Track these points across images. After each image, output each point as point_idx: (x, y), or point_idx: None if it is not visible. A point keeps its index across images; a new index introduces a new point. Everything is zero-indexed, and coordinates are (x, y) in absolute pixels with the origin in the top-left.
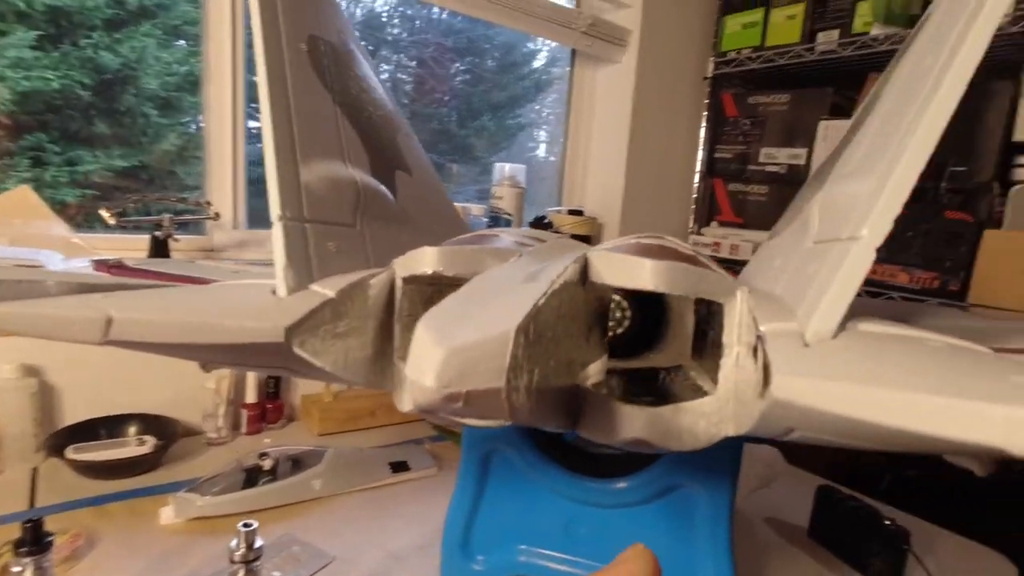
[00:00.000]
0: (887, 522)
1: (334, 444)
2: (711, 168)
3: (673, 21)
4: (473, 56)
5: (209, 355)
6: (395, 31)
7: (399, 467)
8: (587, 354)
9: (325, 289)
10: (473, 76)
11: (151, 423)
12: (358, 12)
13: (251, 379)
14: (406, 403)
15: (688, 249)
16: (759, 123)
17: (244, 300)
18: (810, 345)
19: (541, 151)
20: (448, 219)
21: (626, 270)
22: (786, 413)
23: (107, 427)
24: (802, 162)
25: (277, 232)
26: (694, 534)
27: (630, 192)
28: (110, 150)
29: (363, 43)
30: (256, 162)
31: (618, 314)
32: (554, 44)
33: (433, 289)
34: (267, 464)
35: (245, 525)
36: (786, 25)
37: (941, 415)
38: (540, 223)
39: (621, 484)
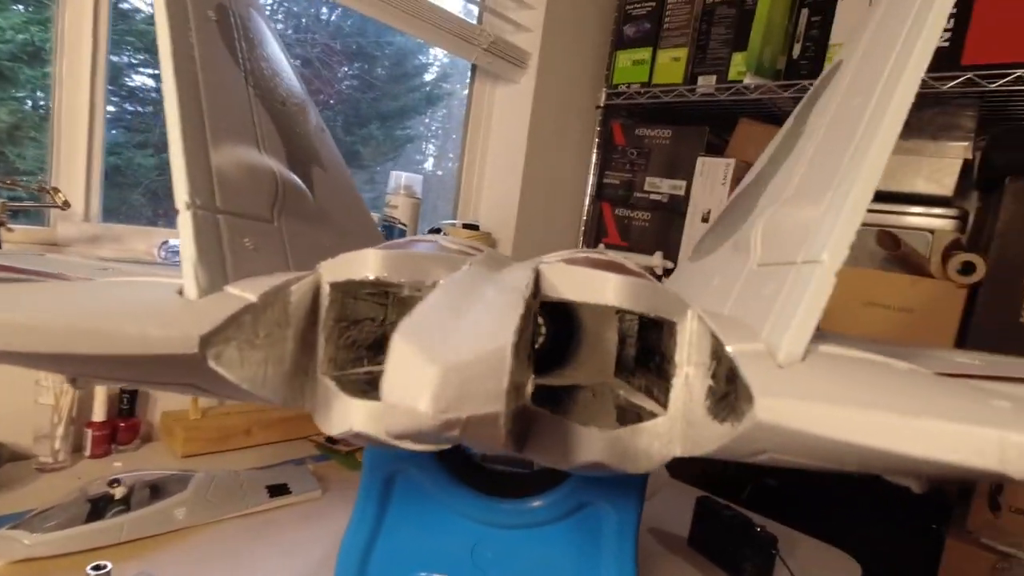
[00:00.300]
0: (758, 529)
1: (202, 467)
2: (600, 192)
3: (571, 49)
4: (363, 62)
5: (96, 369)
6: (279, 26)
7: (278, 490)
8: (521, 370)
9: (244, 292)
10: (362, 82)
11: None
12: None
13: (99, 393)
14: (336, 424)
15: (633, 265)
16: (644, 154)
17: (145, 301)
18: (784, 367)
19: (429, 164)
20: (363, 221)
21: (587, 285)
22: (767, 436)
23: None
24: (682, 193)
25: (185, 222)
26: (600, 552)
27: (524, 209)
28: None
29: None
30: (110, 150)
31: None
32: (446, 59)
33: (361, 296)
34: (119, 492)
35: (96, 568)
36: (671, 66)
37: (940, 440)
38: (435, 234)
39: (534, 503)
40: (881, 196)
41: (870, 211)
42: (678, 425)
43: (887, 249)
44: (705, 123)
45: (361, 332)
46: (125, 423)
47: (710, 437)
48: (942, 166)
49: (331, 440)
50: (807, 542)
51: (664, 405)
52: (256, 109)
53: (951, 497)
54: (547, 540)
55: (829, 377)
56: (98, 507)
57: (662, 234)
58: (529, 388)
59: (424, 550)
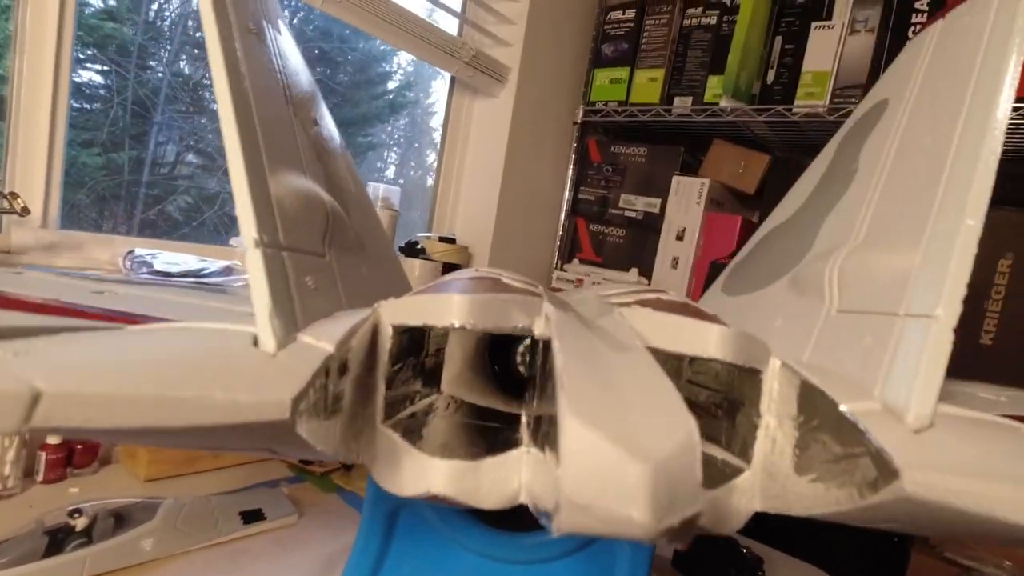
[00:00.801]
0: (744, 550)
1: (166, 491)
2: (575, 208)
3: (550, 65)
4: (325, 67)
5: (175, 440)
6: None
7: (252, 516)
8: None
9: (319, 341)
10: (324, 88)
11: None
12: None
13: None
14: (409, 485)
15: (696, 304)
16: (620, 171)
17: (224, 358)
18: (919, 433)
19: (391, 172)
20: (383, 242)
21: (684, 335)
22: (908, 508)
23: None
24: (656, 211)
25: (256, 263)
26: None
27: (501, 223)
28: None
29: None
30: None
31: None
32: (409, 67)
33: (418, 340)
34: (80, 523)
35: None
36: (648, 86)
37: None
38: (412, 248)
39: (544, 537)
40: None
41: None
42: (758, 478)
43: None
44: (680, 143)
45: (405, 371)
46: (82, 444)
47: (806, 496)
48: None
49: (305, 460)
50: (790, 563)
51: (744, 457)
52: (298, 130)
53: None
54: (558, 575)
55: (967, 446)
56: (57, 540)
57: (636, 251)
58: None
59: None
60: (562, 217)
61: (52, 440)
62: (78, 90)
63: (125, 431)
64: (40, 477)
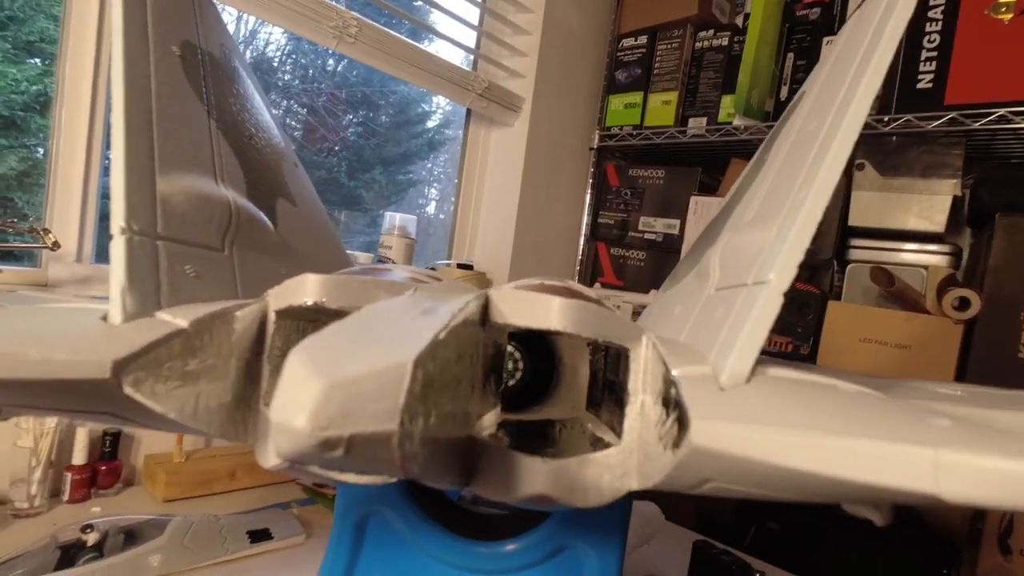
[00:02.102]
0: (758, 574)
1: (183, 511)
2: (595, 232)
3: (563, 93)
4: (367, 109)
5: (7, 395)
6: (287, 77)
7: (259, 536)
8: (481, 404)
9: (176, 318)
10: (366, 129)
11: None
12: (248, 54)
13: (81, 436)
14: (269, 456)
15: (593, 294)
16: (638, 194)
17: (63, 326)
18: (726, 389)
19: (431, 208)
20: (335, 257)
21: (532, 309)
22: (705, 462)
23: None
24: (676, 232)
25: (118, 247)
26: None
27: (518, 250)
28: None
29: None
30: (108, 196)
31: (510, 365)
32: (448, 106)
33: (312, 325)
34: (91, 538)
35: None
36: (662, 109)
37: (874, 462)
38: None
39: (509, 547)
40: (874, 233)
41: (864, 248)
42: (635, 457)
43: (881, 286)
44: (698, 164)
45: None
46: (106, 466)
47: (663, 466)
48: (932, 203)
49: (318, 484)
50: None
51: (619, 435)
52: (217, 142)
53: (960, 540)
54: None
55: (768, 399)
56: (69, 554)
57: (657, 273)
58: (492, 420)
59: None
60: (581, 242)
61: (77, 462)
62: None
63: None
64: (66, 497)
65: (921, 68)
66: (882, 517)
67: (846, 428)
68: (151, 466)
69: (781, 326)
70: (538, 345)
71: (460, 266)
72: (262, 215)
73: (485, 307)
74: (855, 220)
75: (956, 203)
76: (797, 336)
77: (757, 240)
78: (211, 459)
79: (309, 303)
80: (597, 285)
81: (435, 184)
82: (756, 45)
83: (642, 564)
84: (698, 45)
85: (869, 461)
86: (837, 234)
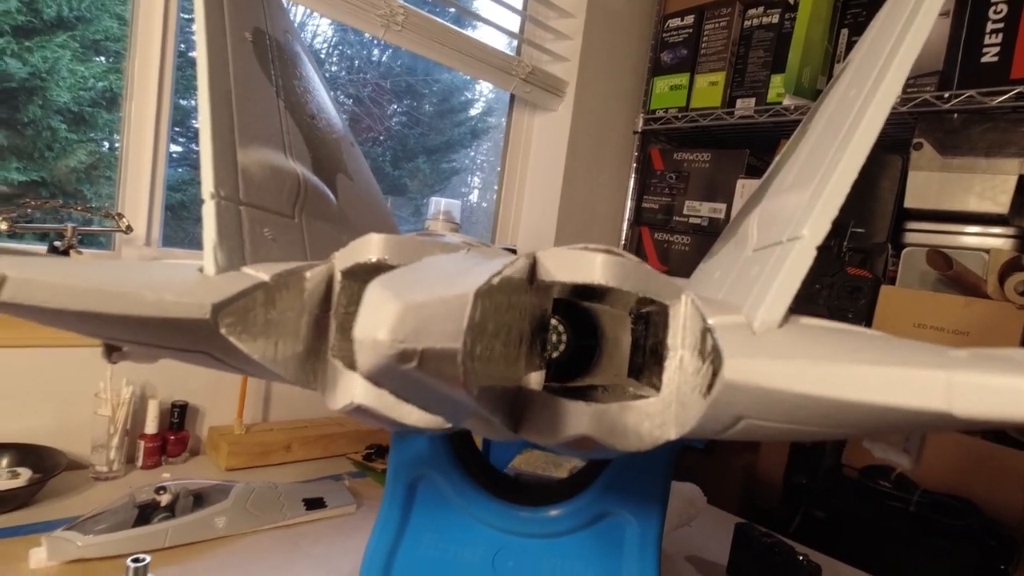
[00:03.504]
0: (800, 558)
1: (243, 480)
2: (638, 217)
3: (607, 77)
4: (411, 99)
5: (117, 330)
6: (333, 68)
7: (314, 504)
8: (528, 361)
9: (259, 272)
10: (410, 118)
11: (28, 454)
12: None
13: (153, 407)
14: (338, 398)
15: (635, 258)
16: (684, 177)
17: (166, 276)
18: (758, 334)
19: (474, 196)
20: (389, 230)
21: (575, 265)
22: (736, 397)
23: None
24: (721, 216)
25: (209, 210)
26: (622, 563)
27: (561, 235)
28: (7, 162)
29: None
30: (174, 187)
31: (554, 337)
32: (491, 94)
33: None
34: (164, 499)
35: (135, 560)
36: (709, 90)
37: (889, 384)
38: None
39: (553, 512)
40: (932, 215)
41: (921, 231)
42: (673, 408)
43: (938, 269)
44: (745, 146)
45: None
46: (175, 436)
47: (694, 413)
48: (996, 183)
49: (368, 458)
50: (851, 573)
51: (658, 388)
52: (285, 120)
53: (1018, 534)
54: (568, 550)
55: (796, 339)
56: (145, 513)
57: (702, 257)
58: (538, 380)
59: (446, 557)
60: (625, 226)
61: (149, 431)
62: (198, 135)
63: (71, 313)
64: (139, 463)
65: (986, 41)
66: (910, 460)
67: (866, 358)
68: (214, 437)
69: (831, 312)
70: (581, 321)
71: (504, 250)
72: (325, 188)
73: (533, 265)
74: (912, 202)
75: (1021, 183)
76: (848, 321)
77: (793, 201)
78: (268, 432)
79: (373, 259)
80: (623, 250)
81: (478, 172)
82: (808, 22)
83: (684, 545)
84: (747, 23)
85: (886, 384)
86: (892, 217)
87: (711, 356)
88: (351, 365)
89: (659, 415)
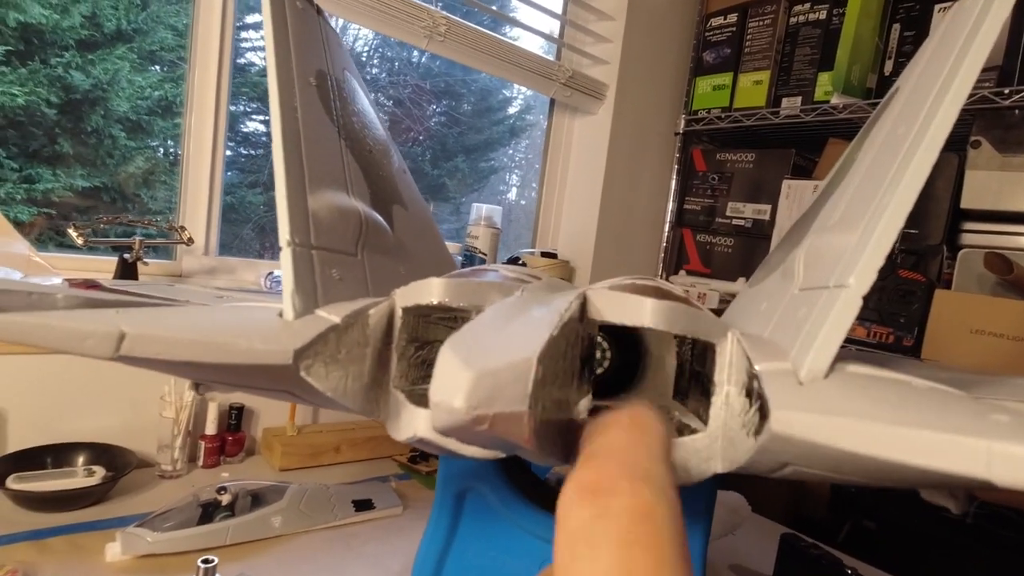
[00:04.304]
0: (848, 571)
1: (296, 480)
2: (680, 219)
3: (648, 78)
4: (450, 99)
5: (215, 375)
6: (374, 71)
7: (363, 505)
8: (578, 391)
9: (330, 315)
10: (449, 118)
11: (102, 453)
12: None
13: (212, 410)
14: (402, 431)
15: (679, 291)
16: (726, 179)
17: (253, 322)
18: (804, 383)
19: (512, 194)
20: (439, 254)
21: (626, 308)
22: (783, 447)
23: (54, 456)
24: (766, 217)
25: (286, 257)
26: None
27: (602, 238)
28: (72, 169)
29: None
30: (226, 191)
31: (599, 354)
32: (529, 92)
33: (433, 320)
34: (225, 499)
35: (205, 561)
36: (753, 89)
37: (931, 449)
38: (514, 263)
39: None
40: (990, 216)
41: (979, 232)
42: (719, 443)
43: (997, 273)
44: (791, 145)
45: (432, 352)
46: (232, 437)
47: (743, 451)
48: None
49: (413, 460)
50: None
51: (705, 422)
52: (346, 158)
53: None
54: None
55: (843, 392)
56: (208, 511)
57: (745, 260)
58: (584, 405)
59: (494, 566)
60: (666, 228)
61: (209, 432)
62: (245, 139)
63: (178, 363)
64: (200, 462)
65: None
66: (958, 505)
67: (908, 419)
68: (268, 438)
69: (882, 316)
70: (625, 337)
71: (544, 254)
72: (382, 220)
73: (583, 305)
74: (968, 202)
75: None
76: (900, 327)
77: (840, 243)
78: (319, 434)
79: (434, 302)
80: (682, 272)
81: (516, 171)
82: (858, 17)
83: (728, 554)
84: (793, 20)
85: (928, 449)
86: (947, 217)
87: (758, 401)
88: (413, 399)
89: (706, 450)
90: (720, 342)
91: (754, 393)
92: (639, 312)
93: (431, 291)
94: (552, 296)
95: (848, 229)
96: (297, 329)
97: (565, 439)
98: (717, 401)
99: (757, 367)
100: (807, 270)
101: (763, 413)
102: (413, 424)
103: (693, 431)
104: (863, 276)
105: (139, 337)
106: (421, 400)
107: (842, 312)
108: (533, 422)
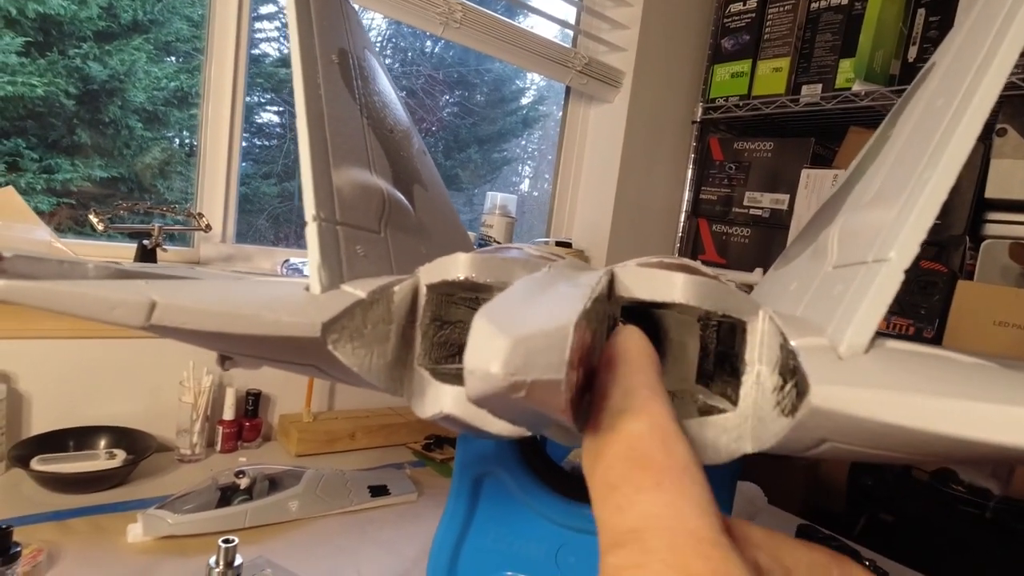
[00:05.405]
0: (866, 563)
1: (312, 465)
2: (696, 209)
3: (665, 66)
4: (463, 90)
5: (242, 347)
6: (387, 61)
7: (379, 491)
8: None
9: (356, 290)
10: (462, 109)
11: (123, 436)
12: None
13: (230, 395)
14: (429, 408)
15: (709, 270)
16: (744, 168)
17: (280, 295)
18: (844, 358)
19: (525, 185)
20: (459, 235)
21: (655, 284)
22: (822, 422)
23: (76, 439)
24: (784, 207)
25: (312, 232)
26: None
27: (617, 227)
28: (90, 160)
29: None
30: (242, 182)
31: None
32: (543, 82)
33: (456, 300)
34: (243, 483)
35: (225, 541)
36: (772, 77)
37: (982, 420)
38: None
39: None
40: (1016, 206)
41: (1004, 222)
42: (749, 422)
43: (1022, 263)
44: (811, 134)
45: (455, 332)
46: (250, 423)
47: (775, 431)
48: None
49: (427, 448)
50: None
51: (735, 402)
52: (368, 137)
53: None
54: None
55: (884, 366)
56: (226, 495)
57: (762, 250)
58: None
59: (511, 551)
60: (682, 218)
61: (227, 417)
62: (260, 130)
63: (206, 333)
64: (218, 447)
65: None
66: (999, 485)
67: (956, 391)
68: (285, 424)
69: (902, 307)
70: (643, 321)
71: (559, 244)
72: (404, 200)
73: (611, 282)
74: (993, 192)
75: None
76: (920, 318)
77: (877, 219)
78: (334, 420)
79: (460, 278)
80: (698, 262)
81: (529, 161)
82: (881, 2)
83: None
84: (814, 6)
85: (976, 419)
86: (971, 207)
87: (794, 377)
88: (438, 376)
89: (736, 429)
90: (751, 320)
91: (788, 370)
92: (669, 287)
93: (457, 266)
94: (579, 273)
95: (886, 205)
96: (324, 303)
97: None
98: (748, 380)
99: (793, 343)
100: (841, 248)
101: (799, 390)
102: (440, 401)
103: (715, 409)
104: (904, 249)
105: (169, 307)
106: (446, 378)
107: (883, 286)
108: (570, 390)
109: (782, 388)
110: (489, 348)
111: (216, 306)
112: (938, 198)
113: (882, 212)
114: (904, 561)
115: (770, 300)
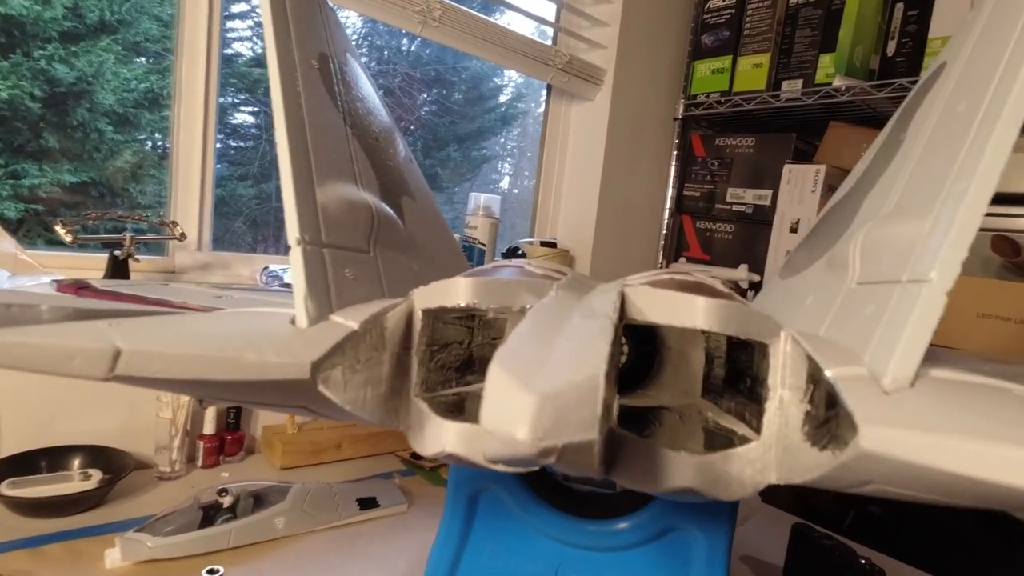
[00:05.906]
0: (863, 561)
1: (297, 478)
2: (680, 205)
3: (646, 63)
4: (441, 88)
5: (223, 392)
6: (363, 60)
7: (368, 504)
8: (609, 391)
9: (347, 320)
10: (440, 107)
11: (98, 455)
12: None
13: (210, 409)
14: (429, 446)
15: (721, 286)
16: (726, 164)
17: (262, 331)
18: (890, 393)
19: (505, 183)
20: (449, 247)
21: (676, 308)
22: (870, 466)
23: (49, 459)
24: (767, 203)
25: (296, 257)
26: None
27: (601, 226)
28: (59, 164)
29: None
30: (217, 184)
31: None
32: (520, 80)
33: (448, 320)
34: (226, 501)
35: (210, 571)
36: (753, 73)
37: None
38: (513, 254)
39: (619, 525)
40: (997, 198)
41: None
42: (773, 451)
43: (1004, 256)
44: (792, 129)
45: (450, 355)
46: (231, 436)
47: (808, 465)
48: None
49: (416, 456)
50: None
51: (757, 430)
52: (353, 147)
53: None
54: (632, 564)
55: (939, 404)
56: (209, 514)
57: (746, 246)
58: (615, 409)
59: (508, 569)
60: (665, 216)
61: (207, 432)
62: (234, 131)
63: (183, 381)
64: (199, 463)
65: None
66: None
67: (1019, 436)
68: (269, 436)
69: None
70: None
71: (544, 244)
72: (393, 214)
73: (622, 304)
74: None
75: None
76: None
77: (906, 233)
78: (320, 431)
79: (462, 304)
80: (682, 260)
81: (508, 159)
82: None
83: (739, 545)
84: (793, 1)
85: None
86: None
87: (832, 410)
88: (436, 408)
89: (760, 459)
90: (772, 342)
91: (822, 400)
92: (691, 312)
93: (458, 292)
94: (589, 297)
95: (913, 216)
96: (312, 338)
97: (607, 448)
98: (771, 407)
99: (828, 372)
100: (865, 262)
101: (841, 427)
102: (440, 439)
103: (732, 434)
104: (946, 269)
105: (137, 354)
106: (444, 410)
107: (926, 311)
108: (603, 450)
109: (815, 419)
110: (512, 406)
111: (192, 349)
112: (978, 212)
113: (911, 225)
114: (895, 554)
115: (783, 314)
